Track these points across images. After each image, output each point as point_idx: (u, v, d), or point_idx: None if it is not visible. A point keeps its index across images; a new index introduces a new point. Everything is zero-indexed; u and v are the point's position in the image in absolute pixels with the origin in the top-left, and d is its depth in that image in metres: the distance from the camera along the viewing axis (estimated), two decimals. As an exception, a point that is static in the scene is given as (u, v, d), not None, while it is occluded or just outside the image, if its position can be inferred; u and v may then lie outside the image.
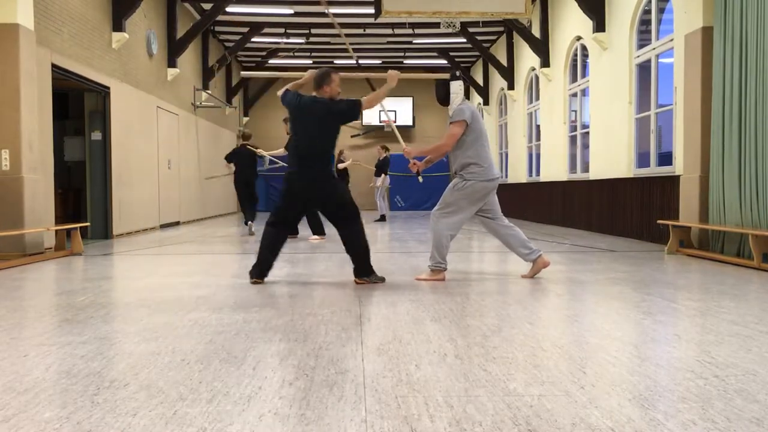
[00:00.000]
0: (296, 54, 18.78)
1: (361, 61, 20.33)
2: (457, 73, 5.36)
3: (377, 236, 10.22)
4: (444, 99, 5.30)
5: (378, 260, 6.77)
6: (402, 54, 19.33)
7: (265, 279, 5.17)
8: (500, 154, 17.86)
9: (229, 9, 13.80)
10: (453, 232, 5.19)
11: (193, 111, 15.11)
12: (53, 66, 8.25)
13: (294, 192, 5.05)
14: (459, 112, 5.14)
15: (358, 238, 5.03)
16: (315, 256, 7.28)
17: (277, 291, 4.77)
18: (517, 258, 5.51)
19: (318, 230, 9.44)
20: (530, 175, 14.93)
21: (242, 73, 7.07)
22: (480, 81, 19.11)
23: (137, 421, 2.08)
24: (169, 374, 2.59)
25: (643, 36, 9.37)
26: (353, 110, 5.04)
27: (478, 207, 5.21)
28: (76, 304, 4.25)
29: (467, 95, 21.51)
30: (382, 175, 14.28)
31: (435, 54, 18.93)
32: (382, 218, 14.32)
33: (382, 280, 5.11)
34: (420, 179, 6.11)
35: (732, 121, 6.57)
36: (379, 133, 21.36)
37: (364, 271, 5.06)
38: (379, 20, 11.66)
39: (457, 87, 5.25)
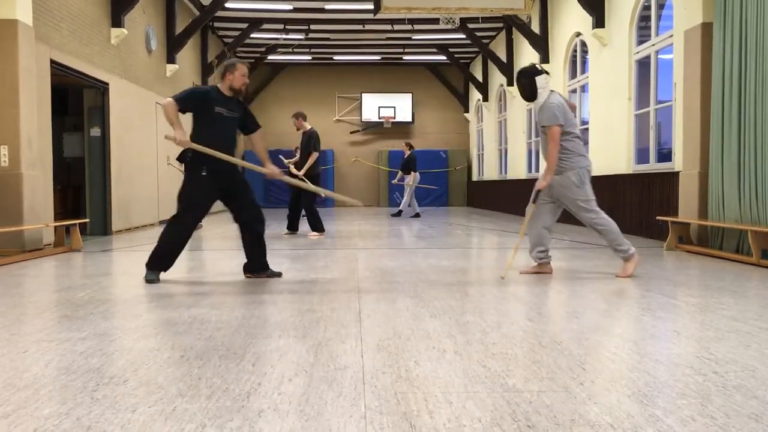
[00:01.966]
0: (295, 50, 18.75)
1: (360, 57, 20.32)
2: (538, 66, 5.19)
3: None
4: (531, 95, 5.16)
5: (378, 256, 6.78)
6: (401, 50, 19.31)
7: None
8: (500, 151, 17.86)
9: (228, 5, 13.77)
10: (602, 212, 5.15)
11: (193, 107, 15.08)
12: (52, 62, 8.23)
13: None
14: (552, 117, 5.02)
15: (164, 231, 5.06)
16: (314, 252, 7.28)
17: (276, 287, 4.77)
18: (516, 254, 5.51)
19: (317, 227, 9.43)
20: (530, 172, 14.92)
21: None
22: (479, 77, 19.10)
23: (137, 417, 2.08)
24: (168, 370, 2.60)
25: (643, 32, 9.35)
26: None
27: (589, 185, 5.15)
28: (76, 300, 4.25)
29: (466, 91, 21.50)
30: (412, 172, 14.26)
31: (434, 50, 18.91)
32: (417, 215, 14.26)
33: (155, 281, 5.00)
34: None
35: (731, 117, 6.57)
36: (378, 129, 21.35)
37: (148, 262, 5.04)
38: (379, 16, 11.64)
39: (543, 81, 5.11)
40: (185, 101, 4.94)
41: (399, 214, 14.45)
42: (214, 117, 4.98)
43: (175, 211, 5.10)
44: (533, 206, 5.22)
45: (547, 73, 5.27)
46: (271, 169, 5.18)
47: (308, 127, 9.56)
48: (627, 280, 4.98)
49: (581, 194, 5.11)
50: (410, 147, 14.48)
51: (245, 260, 5.22)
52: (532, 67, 5.21)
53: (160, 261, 5.03)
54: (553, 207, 5.30)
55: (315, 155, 9.43)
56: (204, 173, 4.92)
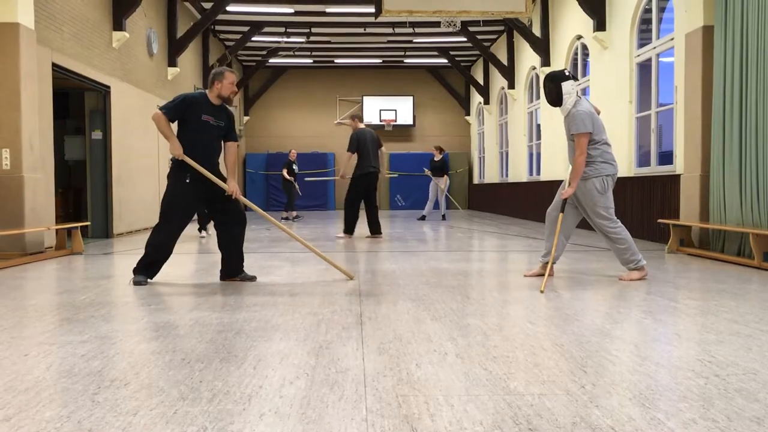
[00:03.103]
0: (296, 53, 18.78)
1: (361, 61, 20.34)
2: (567, 72, 5.16)
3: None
4: (556, 100, 5.12)
5: (379, 259, 6.78)
6: (402, 53, 19.33)
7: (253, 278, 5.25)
8: (501, 153, 17.86)
9: (229, 8, 13.79)
10: (619, 222, 5.16)
11: (194, 110, 15.10)
12: (54, 65, 8.25)
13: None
14: (581, 124, 4.98)
15: (149, 239, 5.07)
16: (314, 255, 7.26)
17: (278, 290, 4.77)
18: (517, 257, 5.51)
19: (346, 228, 9.42)
20: (531, 174, 14.93)
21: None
22: (480, 80, 19.11)
23: (138, 420, 2.08)
24: (169, 373, 2.60)
25: (644, 35, 9.36)
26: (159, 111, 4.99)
27: (611, 193, 5.13)
28: (77, 303, 4.25)
29: (467, 94, 21.51)
30: (444, 176, 14.30)
31: (435, 53, 18.93)
32: (444, 218, 14.32)
33: (142, 282, 5.01)
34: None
35: (733, 120, 6.57)
36: (380, 132, 21.31)
37: (136, 267, 5.06)
38: (380, 19, 11.65)
39: (569, 87, 5.06)
40: (174, 111, 4.99)
41: (444, 218, 14.44)
42: (201, 124, 5.00)
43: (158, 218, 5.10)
44: (561, 215, 5.19)
45: (576, 78, 5.23)
46: (231, 186, 5.06)
47: (359, 126, 9.59)
48: (628, 283, 4.98)
49: (602, 201, 5.09)
50: (441, 150, 14.50)
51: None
52: (561, 72, 5.17)
53: (146, 268, 5.04)
54: (576, 213, 5.29)
55: (350, 155, 9.46)
56: (188, 180, 4.94)
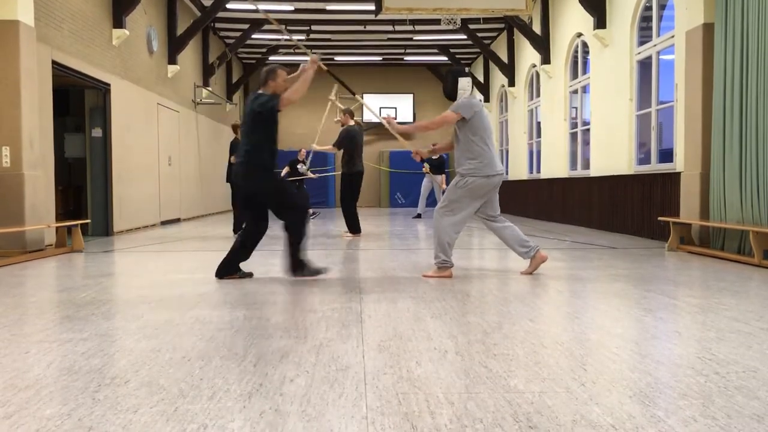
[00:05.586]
0: (296, 51, 18.75)
1: (361, 58, 20.33)
2: (466, 70, 5.35)
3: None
4: (451, 93, 5.28)
5: (379, 257, 6.78)
6: (402, 51, 19.31)
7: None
8: (501, 151, 17.85)
9: (229, 5, 13.78)
10: (457, 229, 5.19)
11: (194, 108, 15.10)
12: (54, 63, 8.24)
13: (237, 188, 5.17)
14: (461, 106, 5.13)
15: (296, 230, 5.07)
16: (316, 253, 7.27)
17: (278, 288, 4.77)
18: (518, 256, 5.51)
19: (354, 228, 9.36)
20: (531, 172, 14.93)
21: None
22: (480, 78, 19.09)
23: (138, 417, 2.08)
24: (170, 371, 2.60)
25: (644, 33, 9.35)
26: (270, 102, 5.00)
27: (480, 203, 5.21)
28: (77, 301, 4.25)
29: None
30: (442, 174, 14.33)
31: (435, 51, 18.91)
32: (419, 216, 14.37)
33: (322, 272, 5.15)
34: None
35: (733, 117, 6.56)
36: (379, 130, 21.34)
37: (295, 264, 5.10)
38: (380, 17, 11.64)
39: (465, 83, 5.22)
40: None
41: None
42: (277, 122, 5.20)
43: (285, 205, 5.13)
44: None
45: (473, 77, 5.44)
46: (312, 58, 5.28)
47: (350, 123, 9.55)
48: (628, 281, 4.97)
49: (458, 197, 5.16)
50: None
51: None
52: (461, 68, 5.46)
53: (303, 261, 5.15)
54: (483, 207, 5.35)
55: (334, 149, 9.48)
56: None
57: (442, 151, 5.61)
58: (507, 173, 17.01)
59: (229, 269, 5.20)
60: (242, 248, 5.20)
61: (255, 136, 5.05)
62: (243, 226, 5.31)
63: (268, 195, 5.10)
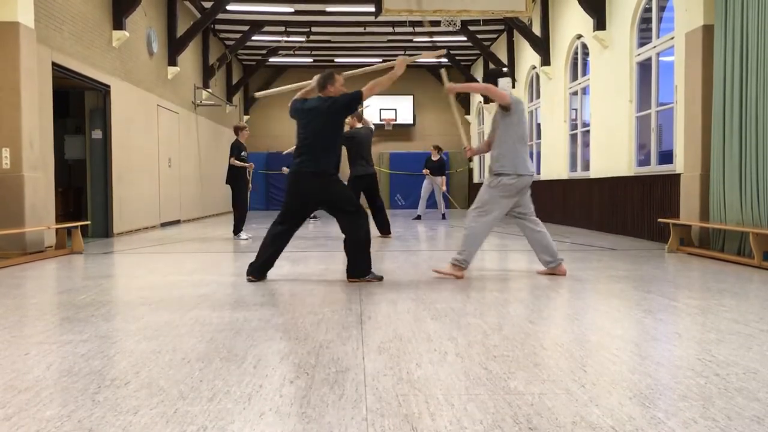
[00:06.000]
0: (296, 52, 18.77)
1: (361, 60, 20.33)
2: (504, 70, 5.39)
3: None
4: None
5: (379, 258, 6.77)
6: (402, 52, 19.32)
7: (265, 278, 5.19)
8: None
9: (229, 7, 13.78)
10: (488, 230, 5.21)
11: (194, 109, 15.11)
12: (54, 64, 8.25)
13: (295, 190, 5.07)
14: (512, 96, 5.21)
15: (356, 232, 5.02)
16: (316, 254, 7.28)
17: (278, 289, 4.77)
18: (518, 257, 5.51)
19: (384, 228, 9.31)
20: (531, 174, 14.91)
21: (256, 94, 7.03)
22: (480, 79, 19.09)
23: (138, 419, 2.08)
24: (169, 373, 2.60)
25: (644, 34, 9.36)
26: (355, 101, 5.05)
27: (512, 203, 5.22)
28: (77, 302, 4.25)
29: (467, 93, 21.49)
30: (442, 176, 14.37)
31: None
32: (443, 217, 14.38)
33: (380, 279, 5.11)
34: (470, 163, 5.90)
35: (733, 119, 6.57)
36: (380, 131, 21.35)
37: (358, 270, 5.05)
38: (380, 18, 11.65)
39: (504, 83, 5.27)
40: None
41: (443, 217, 14.44)
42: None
43: (347, 209, 5.10)
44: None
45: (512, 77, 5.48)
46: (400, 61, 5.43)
47: (356, 126, 9.35)
48: (628, 282, 4.97)
49: (490, 197, 5.20)
50: (439, 150, 14.53)
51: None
52: (499, 70, 5.45)
53: (363, 254, 5.11)
54: (516, 207, 5.40)
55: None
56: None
57: (482, 152, 5.68)
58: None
59: (265, 268, 5.18)
60: (276, 252, 5.16)
61: (326, 141, 5.04)
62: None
63: (338, 200, 5.07)
